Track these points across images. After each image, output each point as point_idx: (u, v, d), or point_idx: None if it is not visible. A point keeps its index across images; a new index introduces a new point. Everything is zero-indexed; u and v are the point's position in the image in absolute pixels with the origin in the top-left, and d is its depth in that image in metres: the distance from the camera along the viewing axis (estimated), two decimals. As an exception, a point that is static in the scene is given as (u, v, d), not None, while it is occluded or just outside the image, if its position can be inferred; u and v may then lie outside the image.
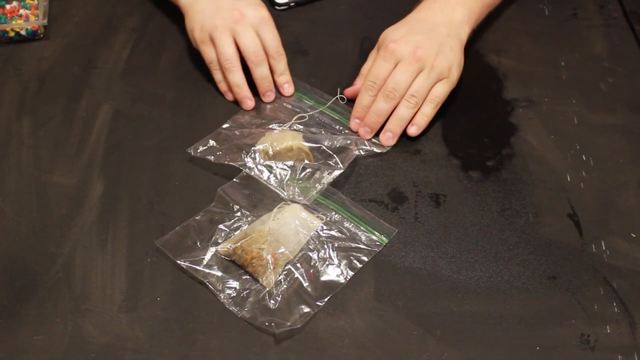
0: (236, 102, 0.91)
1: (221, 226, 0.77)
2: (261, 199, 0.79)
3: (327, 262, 0.74)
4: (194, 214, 0.78)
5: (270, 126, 0.87)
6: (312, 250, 0.75)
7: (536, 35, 1.00)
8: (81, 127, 0.88)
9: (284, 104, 0.91)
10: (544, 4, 1.05)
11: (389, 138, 0.86)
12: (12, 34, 0.99)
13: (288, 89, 0.92)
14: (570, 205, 0.80)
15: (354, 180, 0.83)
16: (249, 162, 0.82)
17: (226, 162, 0.81)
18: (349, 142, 0.84)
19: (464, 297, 0.72)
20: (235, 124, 0.88)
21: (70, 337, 0.69)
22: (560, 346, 0.68)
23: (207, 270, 0.73)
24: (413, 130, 0.86)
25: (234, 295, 0.72)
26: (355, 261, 0.74)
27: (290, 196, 0.79)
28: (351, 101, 0.89)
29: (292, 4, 1.04)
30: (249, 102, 0.90)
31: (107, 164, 0.84)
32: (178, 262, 0.74)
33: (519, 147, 0.86)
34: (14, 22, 0.99)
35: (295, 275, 0.73)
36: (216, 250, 0.75)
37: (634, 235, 0.77)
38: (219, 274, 0.73)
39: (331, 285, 0.72)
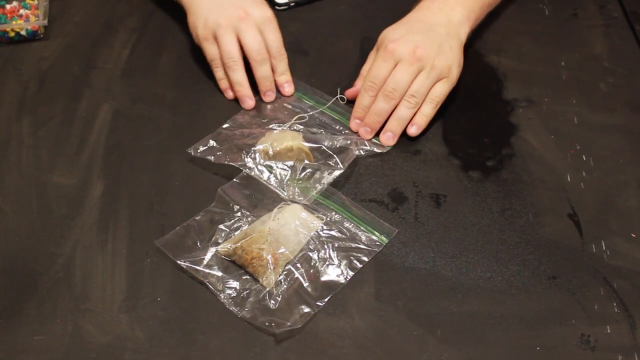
0: (236, 101, 0.91)
1: (221, 226, 0.77)
2: (261, 199, 0.79)
3: (327, 262, 0.74)
4: (194, 214, 0.78)
5: (271, 126, 0.87)
6: (312, 251, 0.75)
7: (536, 35, 1.01)
8: (81, 127, 0.88)
9: (284, 104, 0.91)
10: (544, 4, 1.05)
11: (389, 138, 0.86)
12: (12, 34, 0.99)
13: (288, 88, 0.92)
14: (571, 205, 0.80)
15: (354, 181, 0.83)
16: (249, 162, 0.82)
17: (226, 162, 0.81)
18: (349, 142, 0.84)
19: (464, 297, 0.72)
20: (235, 123, 0.88)
21: (70, 337, 0.69)
22: (560, 346, 0.68)
23: (207, 271, 0.73)
24: (413, 130, 0.86)
25: (234, 295, 0.72)
26: (355, 261, 0.74)
27: (290, 196, 0.79)
28: (351, 101, 0.89)
29: (292, 4, 1.04)
30: (249, 101, 0.90)
31: (107, 164, 0.84)
32: (178, 262, 0.74)
33: (519, 147, 0.86)
34: (14, 22, 0.99)
35: (296, 276, 0.73)
36: (216, 251, 0.75)
37: (634, 235, 0.77)
38: (219, 274, 0.73)
39: (331, 285, 0.72)
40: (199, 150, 0.83)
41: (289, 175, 0.81)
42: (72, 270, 0.74)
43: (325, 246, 0.75)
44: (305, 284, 0.72)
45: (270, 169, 0.82)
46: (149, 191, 0.81)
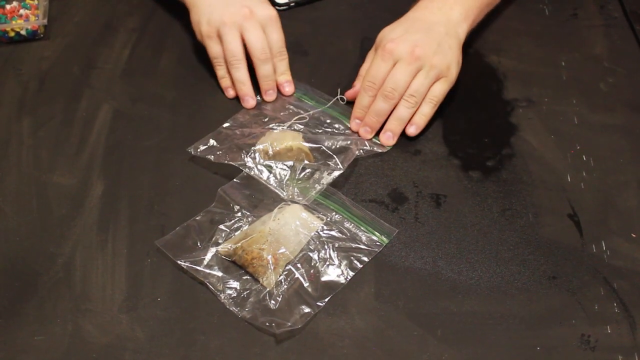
0: (236, 101, 0.91)
1: (221, 226, 0.77)
2: (261, 199, 0.79)
3: (327, 263, 0.74)
4: (195, 214, 0.78)
5: (271, 126, 0.87)
6: (312, 251, 0.75)
7: (536, 35, 1.01)
8: (81, 127, 0.88)
9: (284, 104, 0.91)
10: (544, 4, 1.05)
11: (389, 138, 0.86)
12: (12, 34, 0.98)
13: (288, 88, 0.92)
14: (571, 205, 0.80)
15: (354, 181, 0.83)
16: (249, 161, 0.82)
17: (226, 162, 0.81)
18: (349, 142, 0.84)
19: (465, 298, 0.72)
20: (235, 123, 0.88)
21: (70, 337, 0.69)
22: (560, 346, 0.68)
23: (207, 271, 0.73)
24: (412, 130, 0.86)
25: (235, 295, 0.72)
26: (355, 261, 0.74)
27: (290, 196, 0.79)
28: (352, 102, 0.89)
29: (292, 4, 1.04)
30: (250, 100, 0.90)
31: (107, 164, 0.84)
32: (178, 262, 0.74)
33: (519, 147, 0.86)
34: (14, 22, 0.99)
35: (296, 276, 0.73)
36: (216, 251, 0.75)
37: (634, 235, 0.77)
38: (220, 274, 0.73)
39: (331, 285, 0.72)
40: (199, 150, 0.83)
41: (288, 175, 0.81)
42: (72, 270, 0.74)
43: (326, 246, 0.75)
44: (306, 284, 0.72)
45: (269, 168, 0.82)
46: (149, 191, 0.81)
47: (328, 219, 0.77)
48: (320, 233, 0.76)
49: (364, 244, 0.76)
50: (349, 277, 0.73)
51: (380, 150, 0.85)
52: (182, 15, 0.98)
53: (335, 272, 0.73)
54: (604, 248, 0.76)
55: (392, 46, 0.84)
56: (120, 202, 0.80)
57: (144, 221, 0.78)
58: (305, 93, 0.92)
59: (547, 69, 0.96)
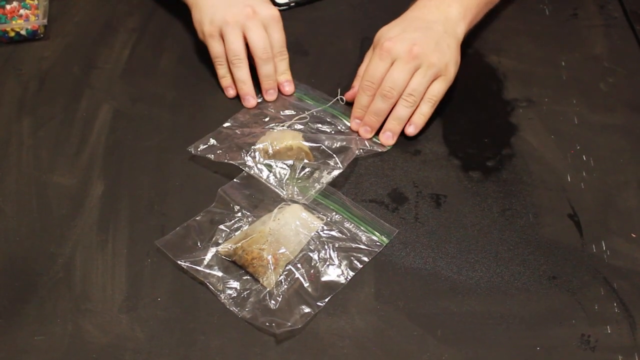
0: (236, 101, 0.91)
1: (222, 226, 0.77)
2: (262, 199, 0.79)
3: (327, 263, 0.74)
4: (195, 214, 0.78)
5: (271, 125, 0.87)
6: (312, 251, 0.75)
7: (536, 35, 1.00)
8: (81, 127, 0.88)
9: (285, 103, 0.91)
10: (544, 4, 1.05)
11: (388, 137, 0.86)
12: (12, 34, 0.98)
13: (288, 87, 0.92)
14: (571, 205, 0.80)
15: (354, 181, 0.83)
16: (249, 160, 0.82)
17: (226, 161, 0.81)
18: (349, 142, 0.84)
19: (465, 298, 0.72)
20: (236, 122, 0.88)
21: (70, 337, 0.69)
22: (560, 346, 0.68)
23: (207, 271, 0.73)
24: (411, 130, 0.86)
25: (235, 295, 0.72)
26: (355, 261, 0.74)
27: (289, 195, 0.79)
28: (351, 102, 0.89)
29: (292, 4, 1.04)
30: (251, 99, 0.90)
31: (107, 164, 0.84)
32: (178, 262, 0.74)
33: (519, 147, 0.86)
34: (14, 22, 0.99)
35: (296, 276, 0.73)
36: (217, 251, 0.75)
37: (634, 235, 0.77)
38: (220, 274, 0.73)
39: (332, 285, 0.72)
40: (199, 149, 0.83)
41: (288, 174, 0.81)
42: (72, 270, 0.74)
43: (326, 246, 0.75)
44: (306, 284, 0.72)
45: (269, 167, 0.82)
46: (149, 191, 0.81)
47: (328, 219, 0.77)
48: (320, 233, 0.76)
49: (364, 244, 0.76)
50: (349, 277, 0.73)
51: (380, 150, 0.85)
52: (182, 15, 0.98)
53: (335, 272, 0.73)
54: (604, 248, 0.76)
55: (389, 45, 0.84)
56: (120, 202, 0.80)
57: (144, 221, 0.78)
58: (305, 93, 0.92)
59: (547, 69, 0.96)
